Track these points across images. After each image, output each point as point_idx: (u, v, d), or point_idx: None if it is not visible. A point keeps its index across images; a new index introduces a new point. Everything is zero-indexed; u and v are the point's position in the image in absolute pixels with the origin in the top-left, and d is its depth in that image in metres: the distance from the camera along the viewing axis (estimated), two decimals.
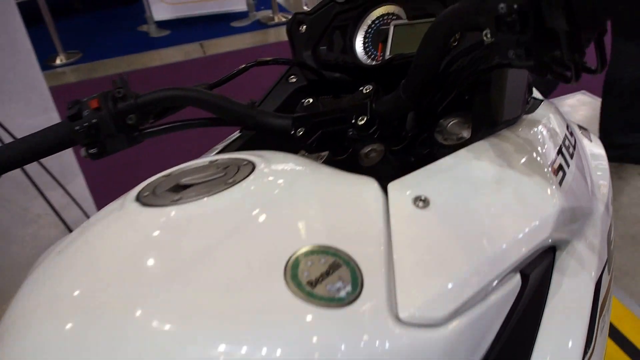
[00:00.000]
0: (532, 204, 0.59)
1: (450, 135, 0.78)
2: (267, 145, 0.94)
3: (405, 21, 0.85)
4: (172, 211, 0.51)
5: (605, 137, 2.81)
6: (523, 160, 0.64)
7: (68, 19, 6.42)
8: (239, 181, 0.55)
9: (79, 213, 2.05)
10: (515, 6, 0.47)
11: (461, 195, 0.57)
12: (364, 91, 0.72)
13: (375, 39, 0.89)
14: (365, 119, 0.68)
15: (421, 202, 0.55)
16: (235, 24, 5.93)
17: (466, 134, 0.77)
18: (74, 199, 2.03)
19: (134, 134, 0.80)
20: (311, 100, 0.78)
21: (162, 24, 5.88)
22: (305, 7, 1.21)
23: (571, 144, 0.78)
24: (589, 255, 0.66)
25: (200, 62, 4.96)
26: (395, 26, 0.86)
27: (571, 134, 0.82)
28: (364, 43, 0.90)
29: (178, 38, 5.65)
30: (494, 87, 0.69)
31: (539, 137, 0.70)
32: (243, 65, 0.88)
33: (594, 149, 0.95)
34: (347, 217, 0.51)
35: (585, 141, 0.93)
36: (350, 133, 0.71)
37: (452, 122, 0.78)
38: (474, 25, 0.55)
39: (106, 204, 0.62)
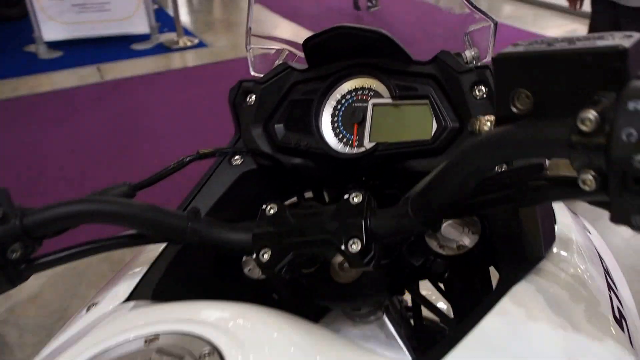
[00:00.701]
0: None
1: (447, 241, 0.65)
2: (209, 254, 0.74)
3: (389, 100, 0.70)
4: None
5: None
6: (584, 312, 0.51)
7: None
8: None
9: None
10: None
11: None
12: (352, 201, 0.54)
13: (348, 118, 0.72)
14: (359, 244, 0.51)
15: None
16: (136, 46, 5.57)
17: (467, 241, 0.65)
18: None
19: (19, 268, 0.56)
20: (276, 207, 0.59)
21: (53, 45, 5.38)
22: (252, 72, 1.02)
23: (606, 263, 0.65)
24: None
25: (98, 88, 4.56)
26: (374, 105, 0.70)
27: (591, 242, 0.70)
28: (333, 123, 0.73)
29: (72, 60, 5.19)
30: (525, 215, 0.54)
31: (582, 266, 0.58)
32: (180, 159, 0.67)
33: (601, 246, 0.82)
34: None
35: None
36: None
37: (446, 224, 0.66)
38: (556, 156, 0.40)
39: None
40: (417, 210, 0.50)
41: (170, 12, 5.81)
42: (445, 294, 0.74)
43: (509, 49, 0.42)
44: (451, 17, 0.75)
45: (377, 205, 0.56)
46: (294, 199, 0.88)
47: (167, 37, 5.80)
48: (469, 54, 0.69)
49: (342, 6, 1.01)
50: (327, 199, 0.87)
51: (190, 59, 5.39)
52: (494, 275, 0.71)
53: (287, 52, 0.85)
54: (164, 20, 6.21)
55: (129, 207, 0.57)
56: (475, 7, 0.67)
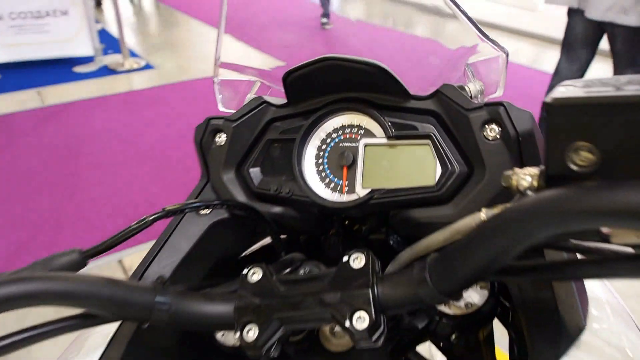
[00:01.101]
0: None
1: None
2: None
3: (383, 140, 0.62)
4: None
5: None
6: None
7: None
8: None
9: None
10: None
11: None
12: (353, 264, 0.47)
13: (335, 161, 0.65)
14: (367, 320, 0.43)
15: None
16: (79, 69, 5.35)
17: (477, 298, 0.59)
18: None
19: None
20: (260, 272, 0.51)
21: None
22: (220, 108, 0.90)
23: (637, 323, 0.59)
24: None
25: (38, 114, 4.32)
26: (367, 146, 0.62)
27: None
28: (318, 165, 0.65)
29: (10, 84, 4.93)
30: (562, 290, 0.47)
31: (622, 332, 0.51)
32: (143, 218, 0.56)
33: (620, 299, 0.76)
34: None
35: None
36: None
37: None
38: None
39: None
40: (438, 279, 0.42)
41: (115, 33, 5.62)
42: (442, 348, 0.66)
43: (563, 91, 0.34)
44: (445, 48, 0.68)
45: (381, 266, 0.48)
46: (267, 239, 0.80)
47: (112, 59, 5.60)
48: (472, 87, 0.62)
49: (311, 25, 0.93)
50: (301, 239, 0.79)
51: (137, 81, 5.21)
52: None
53: (259, 84, 0.76)
54: (108, 41, 6.00)
55: (82, 284, 0.46)
56: (486, 37, 0.61)
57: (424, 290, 0.42)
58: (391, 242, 0.70)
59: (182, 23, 7.63)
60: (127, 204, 3.00)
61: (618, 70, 2.86)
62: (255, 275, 0.50)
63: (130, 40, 6.40)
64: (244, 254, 0.78)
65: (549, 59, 3.14)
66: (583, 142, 0.33)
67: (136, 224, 0.56)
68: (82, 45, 5.39)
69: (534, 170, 0.38)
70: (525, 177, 0.39)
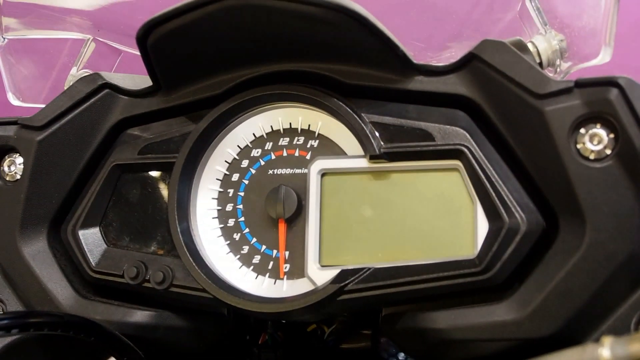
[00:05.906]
0: None
1: None
2: None
3: (361, 164, 0.35)
4: None
5: None
6: None
7: None
8: None
9: None
10: None
11: None
12: None
13: (258, 207, 0.37)
14: None
15: None
16: None
17: None
18: None
19: None
20: None
21: None
22: (13, 100, 0.54)
23: None
24: None
25: None
26: (325, 176, 0.34)
27: None
28: (224, 219, 0.38)
29: None
30: None
31: None
32: None
33: None
34: None
35: None
36: None
37: None
38: None
39: None
40: None
41: None
42: None
43: None
44: None
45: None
46: None
47: None
48: (543, 44, 0.32)
49: None
50: None
51: None
52: None
53: (93, 46, 0.40)
54: None
55: None
56: None
57: None
58: (386, 357, 0.43)
59: None
60: None
61: None
62: None
63: None
64: None
65: None
66: None
67: None
68: None
69: None
70: None
